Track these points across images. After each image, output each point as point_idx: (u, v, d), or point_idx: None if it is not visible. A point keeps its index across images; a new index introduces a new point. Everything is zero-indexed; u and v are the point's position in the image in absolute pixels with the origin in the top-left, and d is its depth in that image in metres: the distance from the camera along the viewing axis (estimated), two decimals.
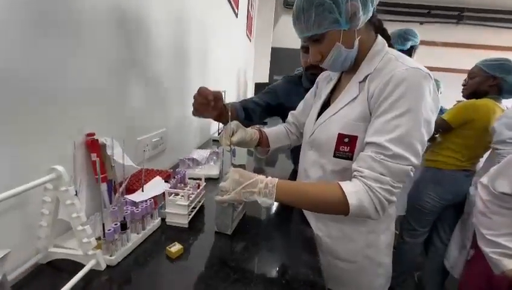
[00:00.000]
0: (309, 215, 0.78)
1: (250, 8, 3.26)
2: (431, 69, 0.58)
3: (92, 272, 0.51)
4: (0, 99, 0.43)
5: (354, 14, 0.57)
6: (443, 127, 1.54)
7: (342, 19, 0.57)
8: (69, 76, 0.57)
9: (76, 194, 0.52)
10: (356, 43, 0.61)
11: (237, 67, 2.81)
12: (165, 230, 0.69)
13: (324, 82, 0.83)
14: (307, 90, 0.93)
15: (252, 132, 0.81)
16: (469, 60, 1.65)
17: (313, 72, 1.03)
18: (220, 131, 1.83)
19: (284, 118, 1.17)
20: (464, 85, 1.61)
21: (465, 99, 1.63)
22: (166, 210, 0.70)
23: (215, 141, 1.74)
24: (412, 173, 0.56)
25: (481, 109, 1.46)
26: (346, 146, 0.64)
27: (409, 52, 1.64)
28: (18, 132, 0.47)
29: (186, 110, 1.30)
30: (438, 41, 4.53)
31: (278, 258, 0.63)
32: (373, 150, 0.56)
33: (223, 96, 0.75)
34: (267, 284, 0.54)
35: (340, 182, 0.58)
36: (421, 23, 4.48)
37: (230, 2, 2.10)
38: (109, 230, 0.52)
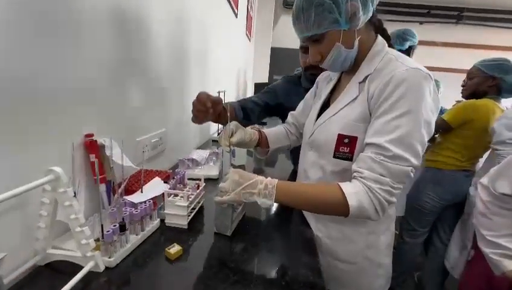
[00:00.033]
0: (309, 216, 0.78)
1: (249, 8, 3.25)
2: (431, 69, 0.58)
3: (90, 273, 0.51)
4: None
5: (354, 14, 0.57)
6: (443, 127, 1.54)
7: (342, 19, 0.57)
8: (68, 76, 0.57)
9: (75, 195, 0.52)
10: (356, 43, 0.61)
11: (237, 67, 2.81)
12: (164, 231, 0.68)
13: (324, 82, 0.82)
14: (307, 90, 0.92)
15: (251, 132, 0.81)
16: (469, 60, 1.65)
17: (312, 72, 1.02)
18: (219, 131, 1.83)
19: (283, 118, 1.16)
20: (463, 86, 1.61)
21: (464, 100, 1.63)
22: (166, 211, 0.69)
23: (215, 142, 1.74)
24: (412, 174, 0.56)
25: (481, 109, 1.46)
26: (346, 147, 0.63)
27: (408, 52, 1.64)
28: (15, 133, 0.47)
29: (186, 110, 1.30)
30: (437, 41, 4.53)
31: (278, 260, 0.63)
32: (373, 150, 0.56)
33: (223, 99, 0.75)
34: (267, 285, 0.54)
35: (340, 183, 0.58)
36: (421, 23, 4.48)
37: (229, 2, 2.09)
38: (108, 231, 0.52)
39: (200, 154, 1.13)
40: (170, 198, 0.70)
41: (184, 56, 1.25)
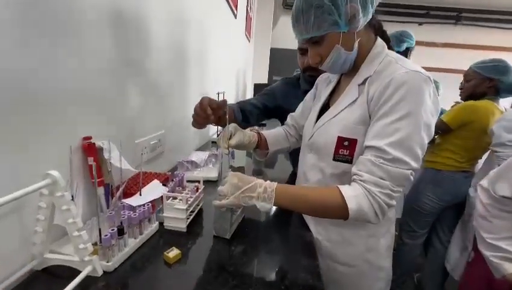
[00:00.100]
0: (308, 219, 0.77)
1: (249, 8, 3.25)
2: (430, 69, 0.58)
3: (88, 278, 0.50)
4: None
5: (354, 16, 0.56)
6: (442, 129, 1.54)
7: (342, 21, 0.57)
8: (65, 78, 0.56)
9: (72, 199, 0.52)
10: (356, 45, 0.61)
11: (236, 68, 2.81)
12: (163, 234, 0.68)
13: (323, 84, 0.82)
14: (305, 92, 0.92)
15: (250, 134, 0.81)
16: (467, 60, 1.65)
17: (310, 73, 1.02)
18: (218, 133, 1.82)
19: (282, 120, 1.16)
20: (461, 88, 1.61)
21: (462, 101, 1.63)
22: (164, 214, 0.69)
23: (214, 143, 1.74)
24: (411, 177, 0.56)
25: (480, 110, 1.46)
26: (345, 149, 0.63)
27: (405, 54, 1.64)
28: (12, 135, 0.47)
29: (185, 111, 1.29)
30: (436, 42, 4.54)
31: (277, 263, 0.63)
32: (372, 153, 0.56)
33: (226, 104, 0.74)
34: (266, 289, 0.53)
35: (339, 186, 0.58)
36: (420, 23, 4.49)
37: (229, 3, 2.09)
38: (106, 236, 0.52)
39: (199, 156, 1.13)
40: (169, 201, 0.69)
41: (183, 57, 1.25)
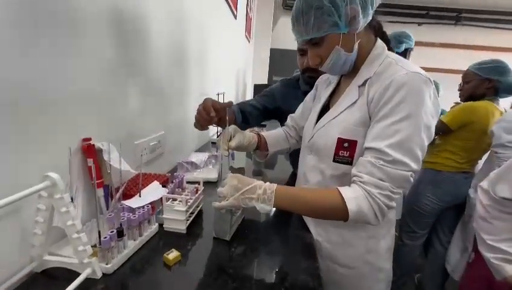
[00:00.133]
0: (308, 220, 0.77)
1: (249, 9, 3.25)
2: (429, 70, 0.58)
3: (87, 280, 0.50)
4: None
5: (354, 18, 0.56)
6: (442, 130, 1.54)
7: (342, 23, 0.56)
8: (64, 79, 0.56)
9: (72, 201, 0.51)
10: (356, 46, 0.61)
11: (236, 68, 2.81)
12: (163, 236, 0.68)
13: (323, 85, 0.82)
14: (305, 93, 0.92)
15: (250, 135, 0.81)
16: (467, 61, 1.65)
17: (310, 74, 1.02)
18: (218, 133, 1.82)
19: (281, 121, 1.16)
20: (460, 89, 1.61)
21: (462, 103, 1.63)
22: (164, 216, 0.69)
23: (214, 144, 1.73)
24: (412, 179, 0.56)
25: (480, 111, 1.46)
26: (345, 151, 0.63)
27: (404, 54, 1.64)
28: (11, 137, 0.46)
29: (185, 112, 1.29)
30: (436, 42, 4.54)
31: (277, 264, 0.62)
32: (372, 155, 0.55)
33: (223, 101, 0.74)
34: None
35: (339, 188, 0.58)
36: (420, 24, 4.49)
37: (228, 4, 2.09)
38: (105, 238, 0.51)
39: (199, 157, 1.12)
40: (168, 202, 0.69)
41: (183, 58, 1.25)
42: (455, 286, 1.45)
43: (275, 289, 0.54)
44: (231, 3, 2.14)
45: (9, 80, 0.45)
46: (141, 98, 0.90)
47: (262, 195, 0.58)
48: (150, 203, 0.66)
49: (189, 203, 0.70)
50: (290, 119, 0.93)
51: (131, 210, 0.63)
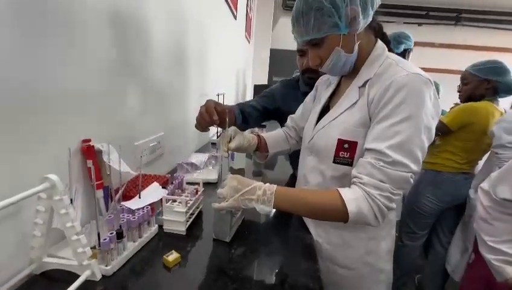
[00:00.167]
0: (308, 221, 0.77)
1: (248, 10, 3.26)
2: (429, 70, 0.58)
3: (87, 282, 0.50)
4: None
5: (354, 19, 0.56)
6: (442, 130, 1.54)
7: (342, 23, 0.56)
8: (64, 80, 0.56)
9: (71, 202, 0.51)
10: (356, 47, 0.61)
11: (236, 69, 2.81)
12: (162, 237, 0.68)
13: (323, 86, 0.82)
14: (305, 94, 0.92)
15: (250, 137, 0.81)
16: (467, 61, 1.65)
17: (310, 75, 1.02)
18: (218, 134, 1.82)
19: (281, 122, 1.16)
20: (459, 91, 1.61)
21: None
22: (164, 217, 0.69)
23: (214, 144, 1.73)
24: (412, 180, 0.55)
25: (480, 112, 1.46)
26: (346, 152, 0.63)
27: (403, 55, 1.64)
28: (10, 138, 0.46)
29: (185, 113, 1.29)
30: (436, 42, 4.54)
31: (277, 266, 0.62)
32: (373, 156, 0.55)
33: (223, 102, 0.74)
34: None
35: (339, 189, 0.57)
36: (420, 24, 4.50)
37: (228, 5, 2.09)
38: (105, 239, 0.51)
39: (199, 158, 1.12)
40: (168, 204, 0.69)
41: (183, 59, 1.25)
42: (455, 286, 1.45)
43: None
44: (231, 4, 2.14)
45: (8, 81, 0.45)
46: (141, 98, 0.90)
47: (262, 196, 0.58)
48: (150, 204, 0.66)
49: (189, 205, 0.70)
50: (290, 120, 0.93)
51: (131, 211, 0.63)
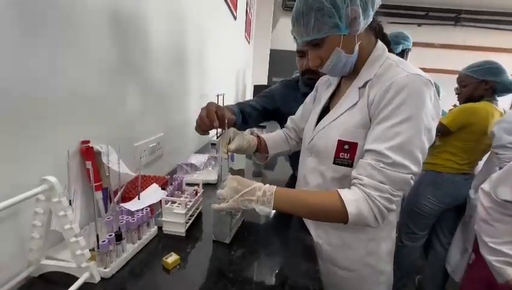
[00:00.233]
0: (308, 223, 0.77)
1: (248, 10, 3.25)
2: (429, 70, 0.57)
3: (85, 285, 0.49)
4: None
5: (354, 19, 0.56)
6: (442, 131, 1.54)
7: (342, 24, 0.56)
8: (63, 81, 0.56)
9: (70, 204, 0.51)
10: (356, 48, 0.60)
11: (236, 69, 2.81)
12: (162, 239, 0.67)
13: (324, 87, 0.82)
14: (304, 94, 0.91)
15: (249, 138, 0.80)
16: (467, 61, 1.65)
17: (309, 76, 1.02)
18: (218, 135, 1.82)
19: (280, 122, 1.16)
20: (458, 93, 1.61)
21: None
22: (163, 219, 0.68)
23: (214, 145, 1.73)
24: (412, 181, 0.55)
25: (479, 112, 1.46)
26: (346, 153, 0.62)
27: (401, 55, 1.63)
28: (9, 140, 0.46)
29: (184, 113, 1.29)
30: (436, 43, 4.55)
31: (277, 268, 0.62)
32: (373, 157, 0.55)
33: (222, 102, 0.74)
34: None
35: (339, 190, 0.57)
36: (419, 25, 4.50)
37: (228, 5, 2.09)
38: (103, 242, 0.51)
39: (198, 159, 1.12)
40: (168, 205, 0.68)
41: (182, 59, 1.25)
42: (456, 287, 1.45)
43: None
44: (231, 4, 2.14)
45: (8, 84, 0.44)
46: (140, 99, 0.90)
47: (262, 197, 0.58)
48: (149, 206, 0.66)
49: (188, 206, 0.69)
50: (290, 121, 0.93)
51: (130, 213, 0.63)
